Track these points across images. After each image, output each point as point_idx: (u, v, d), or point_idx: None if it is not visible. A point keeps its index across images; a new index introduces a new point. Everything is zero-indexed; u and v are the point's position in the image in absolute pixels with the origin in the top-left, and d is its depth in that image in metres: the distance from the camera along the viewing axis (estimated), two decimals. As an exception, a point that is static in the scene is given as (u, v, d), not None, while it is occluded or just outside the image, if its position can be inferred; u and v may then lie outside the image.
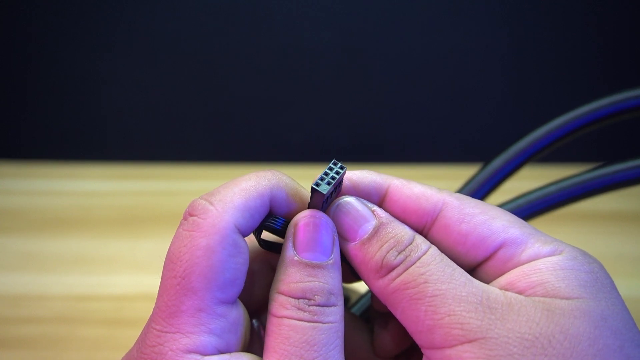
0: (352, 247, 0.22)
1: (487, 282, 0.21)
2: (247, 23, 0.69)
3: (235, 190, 0.22)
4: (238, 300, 0.22)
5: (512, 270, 0.21)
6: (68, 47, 0.70)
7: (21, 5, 0.68)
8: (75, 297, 0.50)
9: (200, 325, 0.20)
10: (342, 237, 0.22)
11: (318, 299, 0.21)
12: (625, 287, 0.52)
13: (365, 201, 0.23)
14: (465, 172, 0.40)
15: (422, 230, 0.23)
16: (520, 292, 0.20)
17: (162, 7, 0.68)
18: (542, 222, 0.45)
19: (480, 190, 0.32)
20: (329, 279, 0.21)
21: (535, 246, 0.21)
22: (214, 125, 0.74)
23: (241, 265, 0.21)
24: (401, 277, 0.21)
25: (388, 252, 0.21)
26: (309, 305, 0.21)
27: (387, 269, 0.21)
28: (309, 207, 0.22)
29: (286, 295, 0.21)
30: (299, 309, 0.21)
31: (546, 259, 0.21)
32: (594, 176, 0.30)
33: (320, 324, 0.21)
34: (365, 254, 0.22)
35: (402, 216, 0.23)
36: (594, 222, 0.62)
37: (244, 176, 0.22)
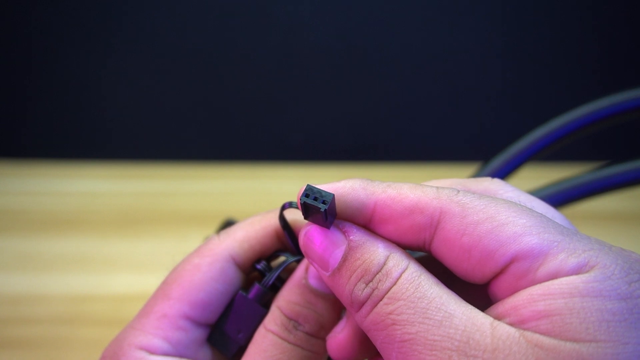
0: (327, 278, 0.19)
1: (504, 299, 0.17)
2: (247, 23, 0.69)
3: (241, 225, 0.23)
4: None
5: (521, 292, 0.16)
6: (68, 47, 0.70)
7: (21, 5, 0.67)
8: (75, 297, 0.50)
9: (158, 329, 0.21)
10: (319, 266, 0.19)
11: (308, 327, 0.21)
12: (625, 287, 0.52)
13: (337, 221, 0.19)
14: (465, 172, 0.40)
15: (423, 247, 0.19)
16: (521, 323, 0.16)
17: (162, 7, 0.68)
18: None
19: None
20: (325, 312, 0.22)
21: (558, 258, 0.16)
22: (214, 125, 0.74)
23: (220, 293, 0.22)
24: (370, 317, 0.17)
25: (356, 284, 0.18)
26: (297, 329, 0.21)
27: (357, 304, 0.18)
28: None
29: (281, 311, 0.22)
30: (286, 329, 0.21)
31: (566, 279, 0.16)
32: (593, 178, 0.30)
33: (300, 349, 0.21)
34: (337, 287, 0.19)
35: (397, 235, 0.19)
36: (594, 222, 0.61)
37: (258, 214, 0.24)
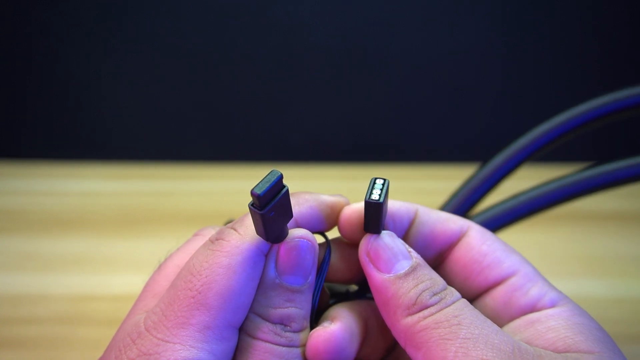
0: (385, 280, 0.22)
1: (494, 309, 0.23)
2: (247, 23, 0.69)
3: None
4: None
5: (525, 329, 0.22)
6: (68, 47, 0.70)
7: (22, 5, 0.68)
8: (75, 297, 0.50)
9: (204, 343, 0.20)
10: (376, 268, 0.22)
11: (294, 325, 0.22)
12: (625, 287, 0.52)
13: (402, 241, 0.23)
14: (464, 172, 0.40)
15: (448, 248, 0.25)
16: (544, 349, 0.21)
17: (162, 7, 0.68)
18: (542, 222, 0.45)
19: (480, 188, 0.32)
20: (304, 303, 0.22)
21: (542, 289, 0.23)
22: (214, 125, 0.74)
23: (254, 288, 0.21)
24: (434, 316, 0.21)
25: (424, 291, 0.21)
26: (285, 331, 0.21)
27: (420, 306, 0.21)
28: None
29: (264, 319, 0.21)
30: (276, 334, 0.21)
31: (553, 312, 0.22)
32: (587, 176, 0.30)
33: (294, 348, 0.21)
34: (399, 289, 0.21)
35: (430, 237, 0.25)
36: (594, 222, 0.61)
37: None
